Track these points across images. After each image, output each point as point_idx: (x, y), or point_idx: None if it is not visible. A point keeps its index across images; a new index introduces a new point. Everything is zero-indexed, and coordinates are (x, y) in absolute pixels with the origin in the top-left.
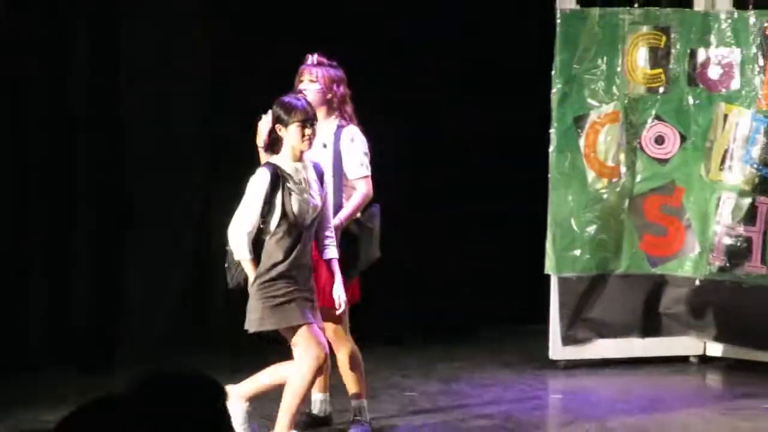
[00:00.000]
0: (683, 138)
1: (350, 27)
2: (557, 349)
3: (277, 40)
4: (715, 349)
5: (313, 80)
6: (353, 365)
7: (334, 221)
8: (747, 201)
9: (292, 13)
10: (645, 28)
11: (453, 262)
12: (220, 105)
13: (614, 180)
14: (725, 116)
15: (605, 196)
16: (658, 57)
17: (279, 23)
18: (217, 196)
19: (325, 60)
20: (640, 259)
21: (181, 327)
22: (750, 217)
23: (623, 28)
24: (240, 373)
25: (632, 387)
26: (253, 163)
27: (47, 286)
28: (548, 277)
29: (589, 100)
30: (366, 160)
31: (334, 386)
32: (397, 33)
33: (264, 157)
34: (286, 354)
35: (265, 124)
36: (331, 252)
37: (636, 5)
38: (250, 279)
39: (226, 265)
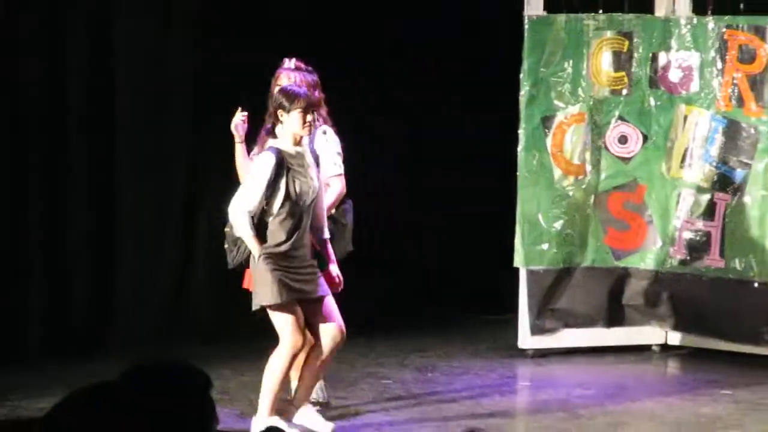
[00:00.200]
0: (645, 138)
1: (331, 30)
2: (526, 339)
3: (265, 41)
4: (676, 338)
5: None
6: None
7: None
8: (706, 197)
9: (277, 15)
10: (609, 33)
11: (427, 255)
12: (207, 106)
13: (580, 178)
14: (685, 117)
15: (571, 193)
16: (621, 61)
17: (267, 24)
18: (205, 194)
19: (302, 65)
20: (605, 253)
21: (171, 319)
22: (709, 212)
23: (588, 33)
24: (225, 363)
25: (597, 374)
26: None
27: (45, 280)
28: (517, 270)
29: (556, 102)
30: (339, 160)
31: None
32: (369, 37)
33: (240, 150)
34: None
35: (239, 119)
36: (325, 233)
37: (600, 11)
38: (255, 254)
39: (225, 246)
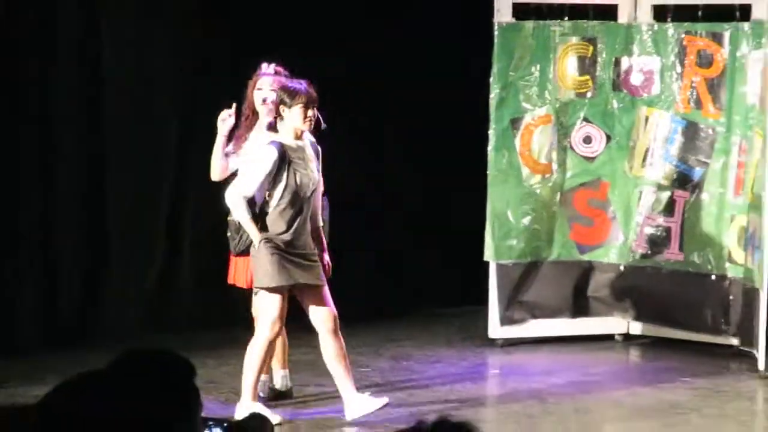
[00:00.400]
0: (609, 138)
1: (308, 32)
2: (496, 329)
3: (251, 40)
4: (638, 328)
5: (273, 89)
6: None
7: None
8: (666, 194)
9: (259, 16)
10: (574, 39)
11: (403, 250)
12: (192, 105)
13: (547, 176)
14: (646, 118)
15: (538, 190)
16: (586, 65)
17: (253, 24)
18: (190, 191)
19: (281, 69)
20: (570, 248)
21: (158, 311)
22: (669, 209)
23: (554, 39)
24: (209, 352)
25: (563, 362)
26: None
27: (38, 275)
28: (487, 263)
29: (524, 104)
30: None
31: (294, 362)
32: (347, 42)
33: (220, 144)
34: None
35: (226, 114)
36: (319, 220)
37: (566, 18)
38: (254, 238)
39: (228, 234)
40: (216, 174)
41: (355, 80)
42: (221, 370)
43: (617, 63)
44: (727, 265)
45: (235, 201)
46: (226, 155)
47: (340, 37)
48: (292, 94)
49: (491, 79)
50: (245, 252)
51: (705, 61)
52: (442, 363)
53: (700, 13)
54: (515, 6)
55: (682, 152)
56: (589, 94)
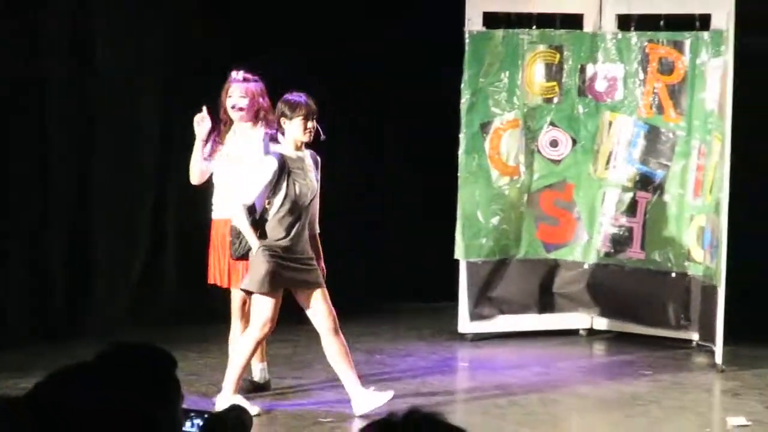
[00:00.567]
0: (574, 142)
1: (288, 39)
2: (465, 324)
3: (235, 44)
4: (601, 324)
5: (243, 96)
6: None
7: None
8: (629, 195)
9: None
10: (541, 47)
11: (377, 248)
12: (176, 106)
13: (515, 178)
14: (610, 123)
15: (507, 191)
16: (553, 72)
17: (238, 27)
18: (173, 190)
19: (249, 75)
20: (537, 246)
21: (144, 305)
22: (631, 209)
23: (523, 46)
24: (192, 345)
25: (530, 356)
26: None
27: (28, 270)
28: (458, 261)
29: (493, 109)
30: None
31: (272, 356)
32: (326, 50)
33: (198, 148)
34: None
35: (199, 117)
36: (317, 228)
37: (534, 27)
38: (253, 245)
39: (229, 239)
40: (195, 178)
41: (339, 88)
42: (202, 363)
43: (582, 70)
44: (687, 263)
45: (236, 208)
46: (205, 159)
47: (318, 45)
48: (293, 106)
49: (462, 86)
50: (244, 256)
51: (666, 68)
52: (414, 356)
53: (662, 22)
54: (485, 15)
55: (644, 155)
56: (555, 100)
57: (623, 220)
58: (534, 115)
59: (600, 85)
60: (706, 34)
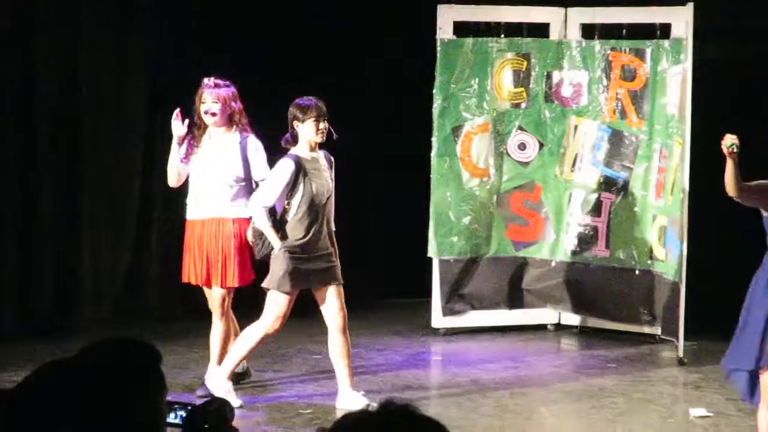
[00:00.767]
0: (541, 145)
1: (263, 45)
2: (438, 319)
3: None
4: (568, 319)
5: (215, 101)
6: (226, 337)
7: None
8: (594, 196)
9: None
10: (510, 54)
11: (354, 247)
12: (162, 108)
13: (485, 179)
14: (576, 127)
15: (477, 192)
16: (521, 78)
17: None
18: (158, 189)
19: (220, 81)
20: (507, 245)
21: (130, 302)
22: (596, 209)
23: (492, 54)
24: (177, 340)
25: (500, 350)
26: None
27: (16, 269)
28: (431, 259)
29: (464, 113)
30: (266, 164)
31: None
32: (301, 57)
33: (174, 150)
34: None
35: (173, 118)
36: (332, 225)
37: (502, 35)
38: (275, 245)
39: (252, 240)
40: (172, 180)
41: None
42: (188, 357)
43: (549, 76)
44: (650, 261)
45: (257, 212)
46: (181, 161)
47: (294, 52)
48: (304, 109)
49: (434, 91)
50: (267, 256)
51: (629, 75)
52: (389, 350)
53: (624, 31)
54: (456, 24)
55: (608, 158)
56: (523, 105)
57: (589, 219)
58: (503, 120)
59: (566, 91)
60: (666, 43)
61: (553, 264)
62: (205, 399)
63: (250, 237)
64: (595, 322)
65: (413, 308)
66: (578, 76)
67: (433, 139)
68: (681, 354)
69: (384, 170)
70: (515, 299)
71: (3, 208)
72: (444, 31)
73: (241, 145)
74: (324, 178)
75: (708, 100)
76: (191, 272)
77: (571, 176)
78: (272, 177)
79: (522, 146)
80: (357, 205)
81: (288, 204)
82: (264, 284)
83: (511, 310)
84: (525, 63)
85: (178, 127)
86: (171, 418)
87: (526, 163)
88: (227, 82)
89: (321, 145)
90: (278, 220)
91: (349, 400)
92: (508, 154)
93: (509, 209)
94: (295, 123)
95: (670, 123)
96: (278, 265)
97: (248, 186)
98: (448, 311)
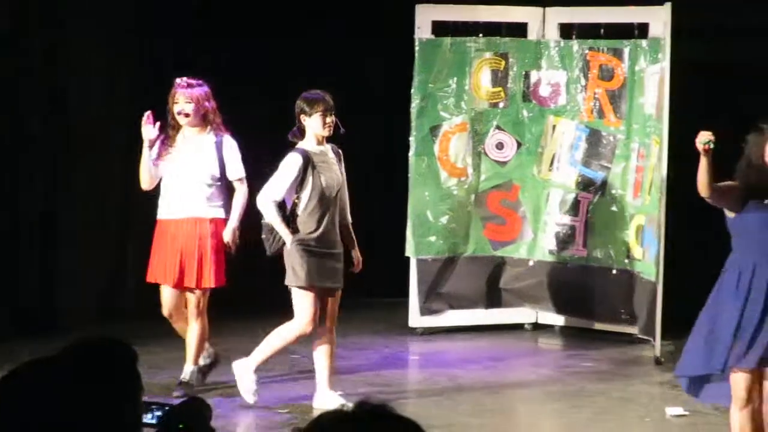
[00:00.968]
0: (519, 144)
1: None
2: (416, 319)
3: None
4: (545, 318)
5: (188, 101)
6: (202, 337)
7: (233, 224)
8: (571, 196)
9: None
10: (488, 54)
11: None
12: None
13: (463, 179)
14: (554, 126)
15: (455, 192)
16: (499, 78)
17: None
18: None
19: (193, 81)
20: (484, 244)
21: (111, 302)
22: (574, 209)
23: (470, 54)
24: (156, 340)
25: (477, 349)
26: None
27: (3, 267)
28: (408, 258)
29: (442, 113)
30: (241, 163)
31: (232, 350)
32: (284, 59)
33: (145, 154)
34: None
35: (147, 126)
36: (348, 218)
37: (481, 35)
38: (286, 240)
39: (263, 236)
40: (145, 183)
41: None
42: (165, 357)
43: (527, 76)
44: (627, 260)
45: (266, 206)
46: (153, 163)
47: (270, 52)
48: (311, 103)
49: (412, 91)
50: (279, 252)
51: (607, 74)
52: (368, 350)
53: (602, 31)
54: (434, 23)
55: (586, 157)
56: (501, 105)
57: (566, 219)
58: (481, 119)
59: (544, 91)
60: (644, 42)
61: (531, 263)
62: (182, 399)
63: (226, 237)
64: (573, 322)
65: (392, 308)
66: (556, 75)
67: (411, 139)
68: (658, 353)
69: (363, 169)
70: (493, 299)
71: None
72: (422, 30)
73: (216, 145)
74: (333, 171)
75: (685, 100)
76: (159, 272)
77: (549, 176)
78: (280, 171)
79: (500, 146)
80: None
81: (297, 198)
82: (286, 282)
83: (488, 310)
84: (503, 62)
85: (149, 130)
86: (147, 418)
87: (504, 163)
88: (200, 82)
89: (327, 139)
90: (289, 215)
91: (326, 399)
92: (486, 154)
93: (487, 209)
94: (302, 117)
95: (647, 122)
96: (294, 260)
97: (224, 185)
98: (425, 311)
